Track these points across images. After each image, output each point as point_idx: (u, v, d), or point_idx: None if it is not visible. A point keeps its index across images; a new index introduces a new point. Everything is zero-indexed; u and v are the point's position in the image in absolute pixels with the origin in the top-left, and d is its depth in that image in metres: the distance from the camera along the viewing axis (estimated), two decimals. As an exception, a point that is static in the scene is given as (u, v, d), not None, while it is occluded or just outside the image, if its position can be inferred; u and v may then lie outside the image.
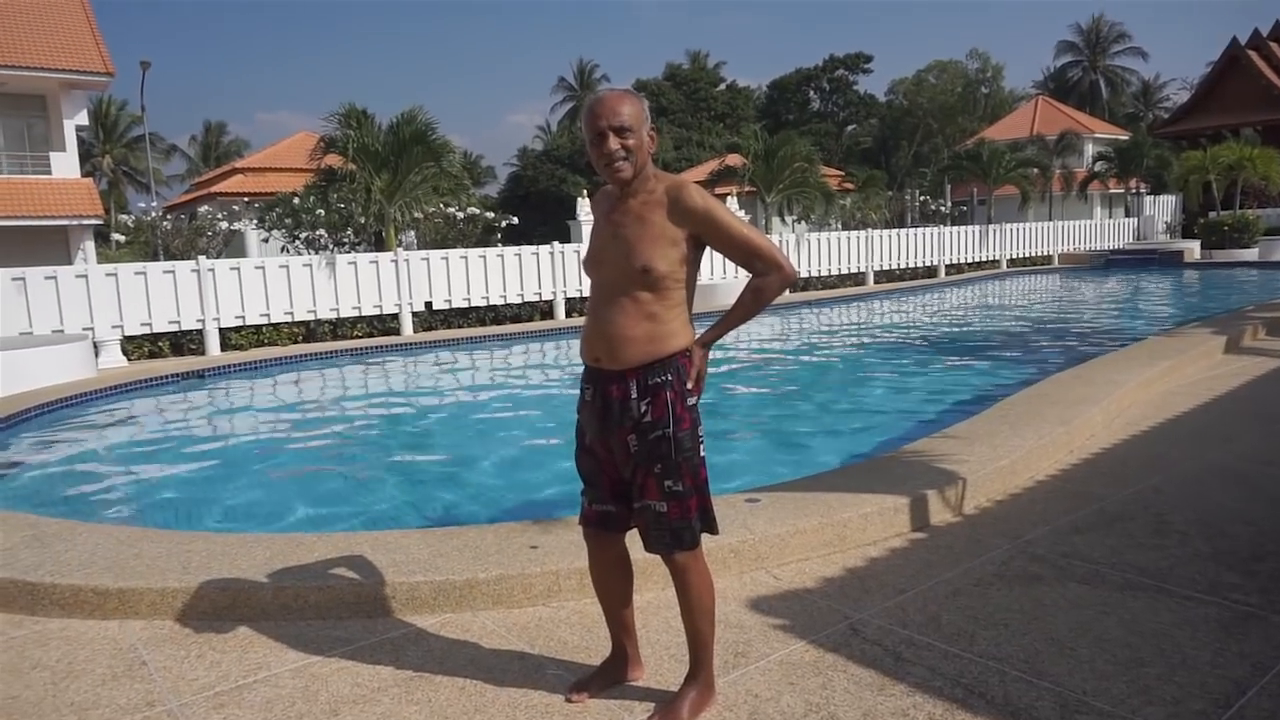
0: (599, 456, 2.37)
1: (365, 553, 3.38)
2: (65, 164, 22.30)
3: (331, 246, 16.18)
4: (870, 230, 20.71)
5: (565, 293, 14.67)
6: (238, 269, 12.03)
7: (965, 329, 12.75)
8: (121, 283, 11.15)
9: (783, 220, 22.20)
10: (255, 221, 18.84)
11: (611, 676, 2.57)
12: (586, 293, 14.33)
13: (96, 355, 10.18)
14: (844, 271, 19.15)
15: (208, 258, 12.46)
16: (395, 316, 13.06)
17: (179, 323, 11.54)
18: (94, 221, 21.74)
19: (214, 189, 31.90)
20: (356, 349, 11.60)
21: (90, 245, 21.90)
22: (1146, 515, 3.89)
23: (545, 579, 3.17)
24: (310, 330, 12.46)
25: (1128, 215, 31.09)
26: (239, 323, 11.93)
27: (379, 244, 15.54)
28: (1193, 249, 22.75)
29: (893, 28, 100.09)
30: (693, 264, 2.28)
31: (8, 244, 19.98)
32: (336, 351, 11.41)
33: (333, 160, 15.46)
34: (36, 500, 5.32)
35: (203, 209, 25.74)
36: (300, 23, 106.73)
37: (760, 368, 9.79)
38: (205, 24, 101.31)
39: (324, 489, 5.57)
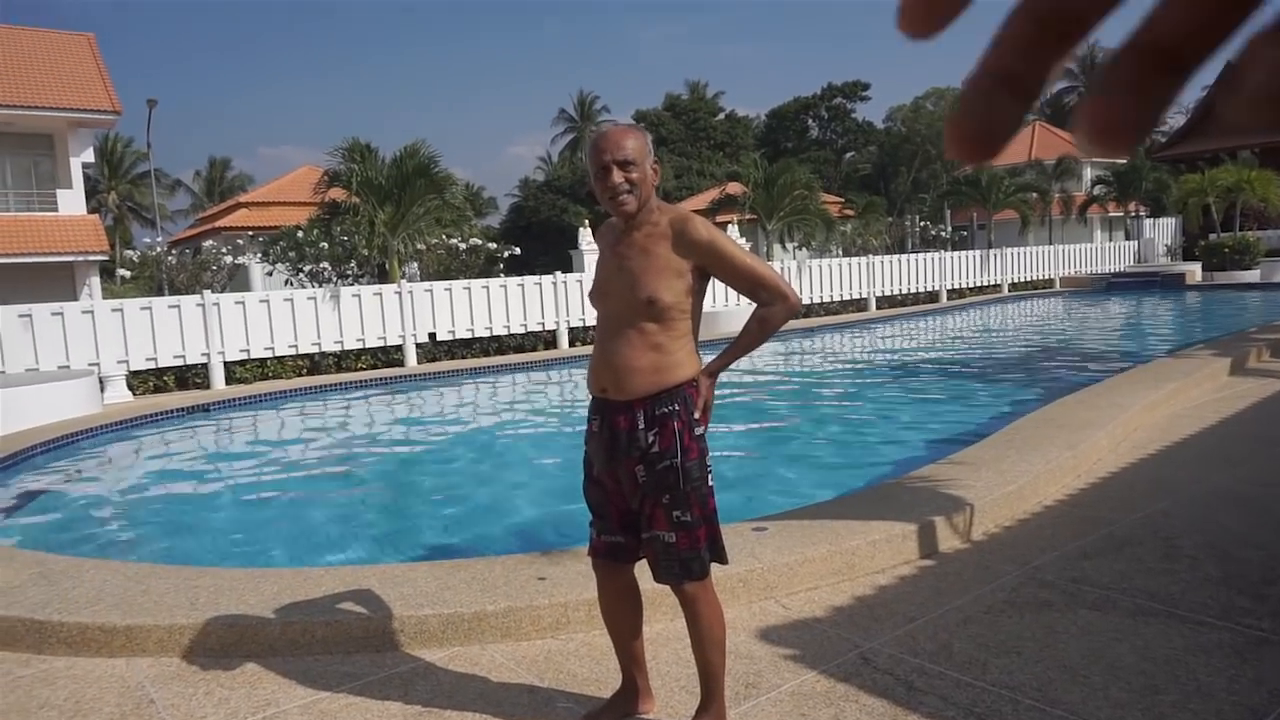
0: (607, 487, 2.38)
1: (373, 586, 3.37)
2: (72, 201, 22.51)
3: (335, 279, 16.28)
4: (871, 256, 20.80)
5: (568, 322, 14.71)
6: (242, 303, 12.09)
7: (969, 354, 12.76)
8: (127, 318, 11.21)
9: (783, 247, 22.29)
10: (259, 255, 18.98)
11: (622, 709, 2.55)
12: (590, 322, 14.42)
13: (102, 390, 10.21)
14: (846, 298, 19.21)
15: (212, 292, 12.53)
16: (399, 348, 13.10)
17: (184, 357, 11.58)
18: (99, 257, 21.90)
19: (218, 223, 32.13)
20: (361, 381, 11.62)
21: (96, 281, 22.04)
22: (1155, 540, 3.87)
23: (554, 611, 3.16)
24: (314, 363, 12.50)
25: (1128, 238, 31.20)
26: (243, 356, 11.97)
27: (382, 276, 15.63)
28: (1194, 271, 22.81)
29: (889, 56, 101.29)
30: (698, 294, 2.30)
31: (15, 281, 20.11)
32: (341, 384, 11.43)
33: (336, 194, 15.60)
34: (43, 537, 5.31)
35: (207, 243, 25.91)
36: (302, 59, 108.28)
37: (763, 395, 9.79)
38: (208, 61, 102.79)
39: (330, 522, 5.55)
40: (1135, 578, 3.45)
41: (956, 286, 21.60)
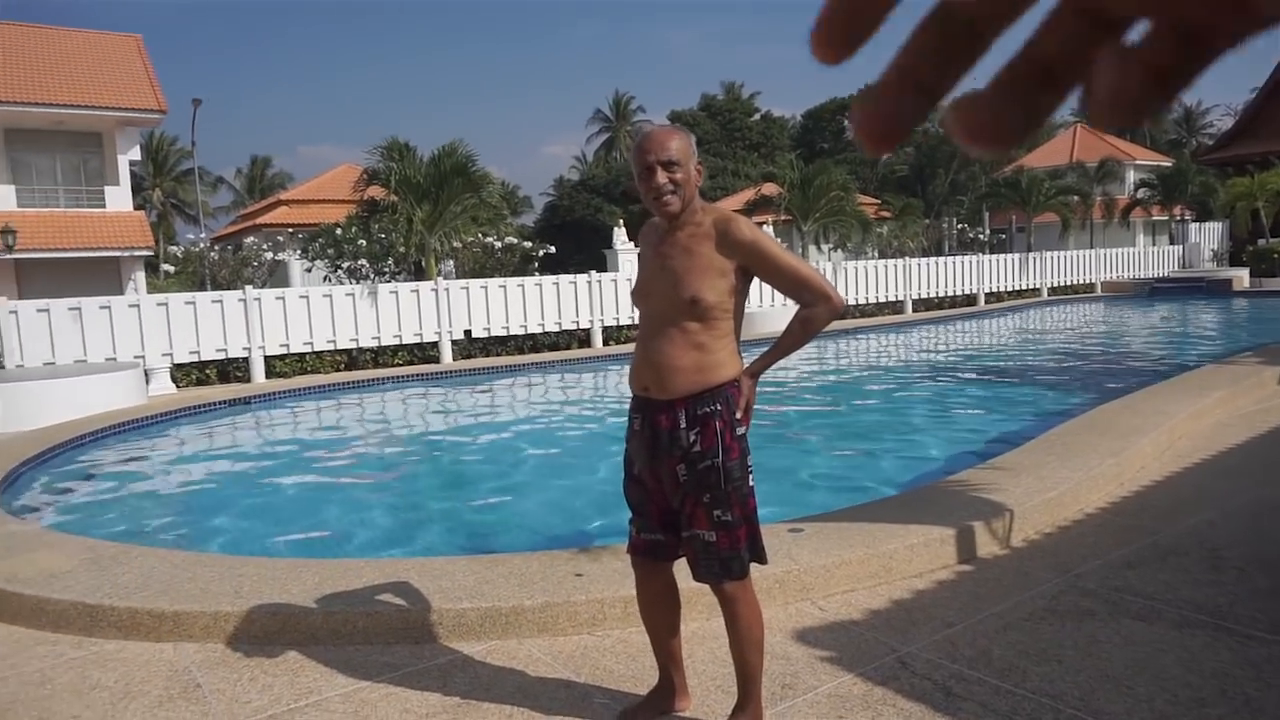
0: (647, 486, 2.39)
1: (412, 579, 3.42)
2: (119, 197, 23.05)
3: (373, 276, 16.48)
4: (908, 259, 20.60)
5: (602, 321, 14.75)
6: (282, 298, 12.30)
7: (1008, 358, 12.58)
8: (172, 312, 11.46)
9: (819, 249, 22.17)
10: (299, 252, 19.30)
11: (658, 707, 2.56)
12: (624, 321, 14.44)
13: (147, 383, 10.44)
14: (882, 300, 19.05)
15: (253, 287, 12.76)
16: (435, 345, 13.24)
17: (225, 350, 11.80)
18: (145, 253, 22.40)
19: (259, 220, 32.69)
20: (397, 377, 11.76)
21: (141, 276, 22.56)
22: (1201, 550, 3.79)
23: (590, 607, 3.18)
24: (352, 358, 12.67)
25: (1172, 243, 30.54)
26: (283, 351, 12.17)
27: (419, 273, 15.79)
28: (1241, 277, 22.27)
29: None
30: (740, 294, 2.31)
31: (64, 275, 20.66)
32: (378, 380, 11.58)
33: (375, 192, 15.80)
34: (92, 524, 5.45)
35: (248, 240, 26.39)
36: (341, 59, 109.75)
37: (800, 396, 9.75)
38: (251, 61, 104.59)
39: (369, 515, 5.64)
40: (1181, 588, 3.38)
41: (994, 290, 21.31)
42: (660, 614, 2.52)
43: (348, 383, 11.34)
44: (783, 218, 20.73)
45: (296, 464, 7.31)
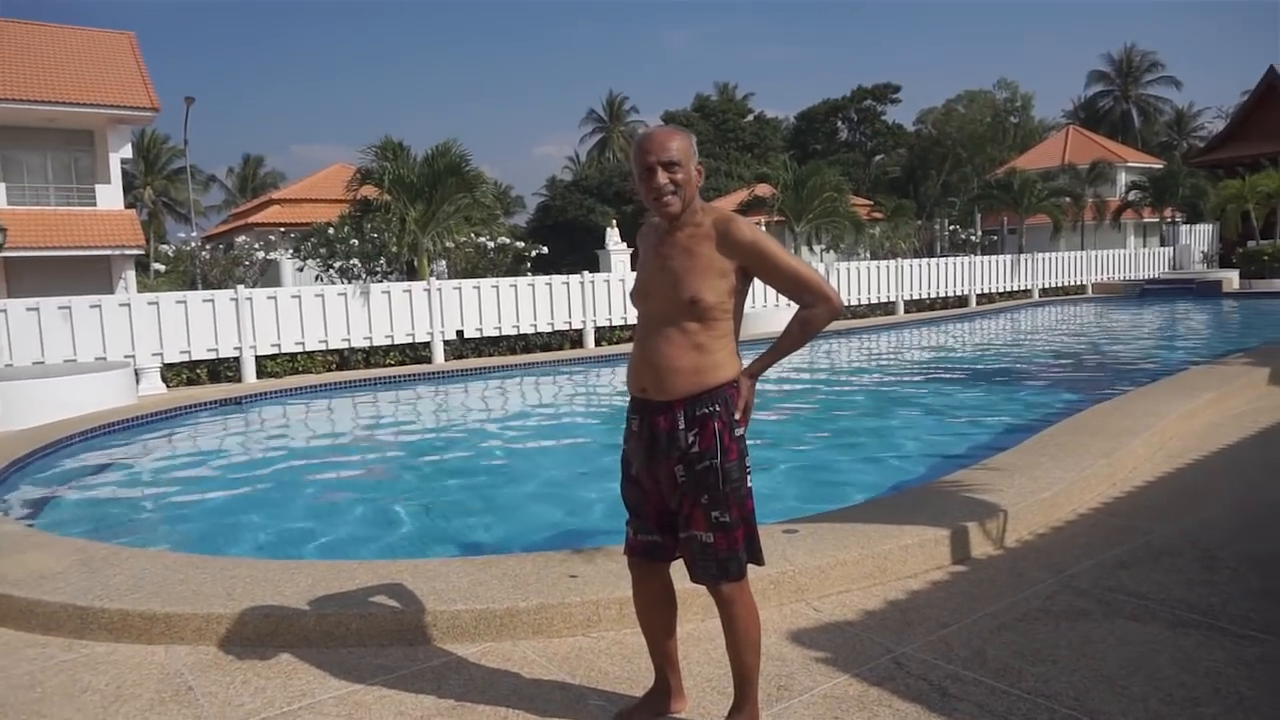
0: (645, 487, 2.38)
1: (406, 580, 3.40)
2: (110, 196, 22.94)
3: (365, 276, 16.44)
4: (900, 260, 20.65)
5: (595, 322, 14.74)
6: (274, 298, 12.25)
7: (1000, 359, 12.62)
8: (162, 311, 11.40)
9: (811, 249, 22.20)
10: (291, 251, 19.23)
11: (654, 709, 2.55)
12: (616, 322, 14.41)
13: (137, 382, 10.39)
14: (874, 301, 19.09)
15: (245, 287, 12.70)
16: (427, 345, 13.20)
17: (216, 350, 11.74)
18: (135, 251, 22.30)
19: (251, 219, 32.58)
20: (389, 377, 11.73)
21: (131, 275, 22.45)
22: (1194, 550, 3.81)
23: (585, 608, 3.17)
24: (344, 358, 12.63)
25: (1163, 244, 30.71)
26: (274, 350, 12.12)
27: (411, 273, 15.75)
28: (1231, 279, 22.39)
29: (921, 58, 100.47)
30: (740, 295, 2.30)
31: (54, 273, 20.54)
32: (369, 380, 11.54)
33: (368, 191, 15.75)
34: (83, 525, 5.42)
35: (240, 239, 26.29)
36: (334, 58, 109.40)
37: (793, 397, 9.76)
38: (245, 60, 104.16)
39: (362, 516, 5.61)
40: (1174, 588, 3.40)
41: (986, 291, 21.39)
42: (657, 615, 2.51)
43: (339, 383, 11.30)
44: (776, 218, 20.77)
45: (288, 464, 7.28)
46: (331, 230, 17.03)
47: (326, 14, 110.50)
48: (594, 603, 3.18)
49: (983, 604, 3.32)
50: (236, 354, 11.83)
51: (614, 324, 14.92)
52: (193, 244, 22.16)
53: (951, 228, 33.49)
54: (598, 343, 14.69)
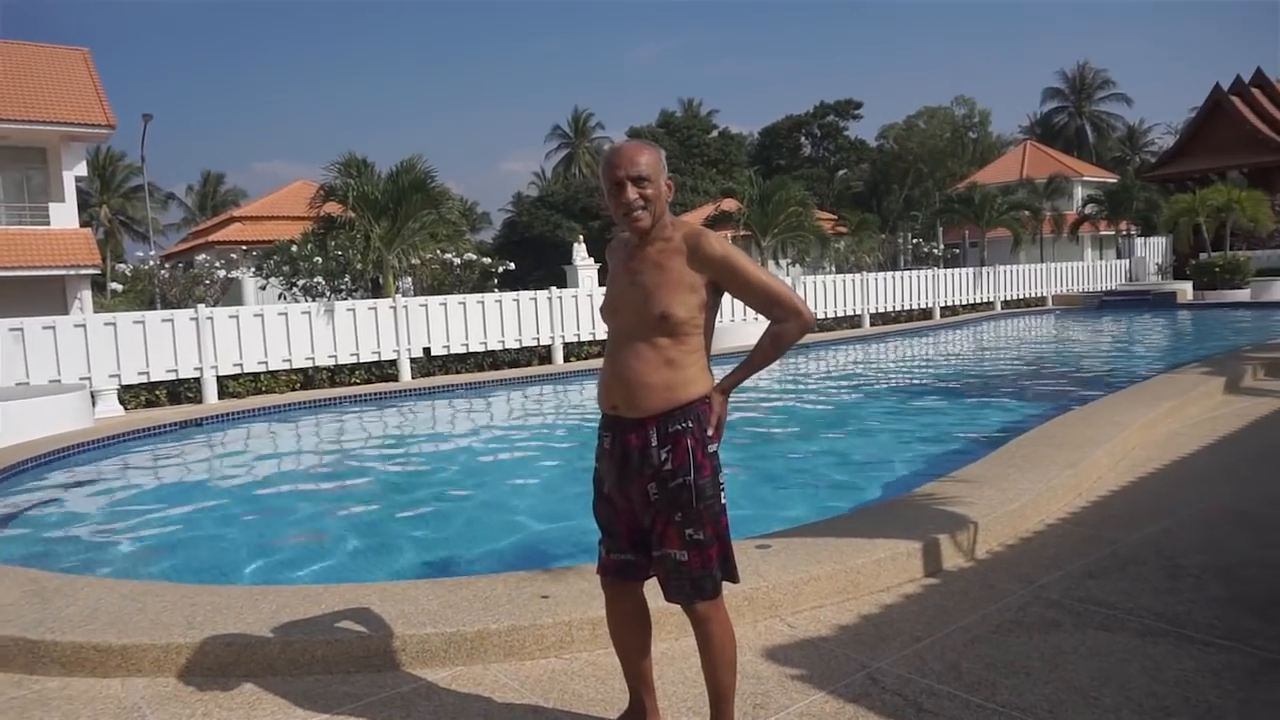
0: (617, 505, 2.35)
1: (373, 604, 3.32)
2: (64, 214, 22.44)
3: (329, 294, 16.24)
4: (865, 273, 20.88)
5: (563, 337, 14.69)
6: (236, 317, 12.04)
7: (965, 370, 12.78)
8: (120, 331, 11.14)
9: (777, 263, 22.36)
10: (253, 269, 18.94)
11: (629, 731, 2.51)
12: (585, 337, 14.34)
13: (93, 405, 10.12)
14: (840, 314, 19.27)
15: (205, 306, 12.47)
16: (393, 363, 13.05)
17: (176, 371, 11.50)
18: (91, 271, 21.81)
19: (212, 237, 32.08)
20: (354, 396, 11.56)
21: (87, 295, 21.95)
22: (1159, 559, 3.85)
23: (558, 630, 3.12)
24: (308, 377, 12.43)
25: (1119, 257, 31.44)
26: (237, 370, 11.90)
27: (376, 291, 15.59)
28: (1185, 290, 22.94)
29: (882, 75, 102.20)
30: (711, 310, 2.29)
31: (6, 294, 20.00)
32: (335, 399, 11.37)
33: (332, 208, 15.59)
34: (36, 554, 5.24)
35: (200, 257, 25.86)
36: (296, 74, 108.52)
37: (763, 412, 9.78)
38: (202, 75, 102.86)
39: (328, 539, 5.50)
40: (1141, 597, 3.43)
41: (950, 303, 21.69)
42: (630, 636, 2.47)
43: (304, 402, 11.12)
44: (742, 233, 20.90)
45: (251, 487, 7.13)
46: (295, 248, 16.81)
47: (287, 30, 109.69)
48: (567, 623, 3.13)
49: (956, 617, 3.32)
50: (197, 375, 11.60)
51: (583, 339, 14.88)
52: (151, 263, 21.75)
53: (914, 241, 33.99)
54: (567, 358, 14.63)
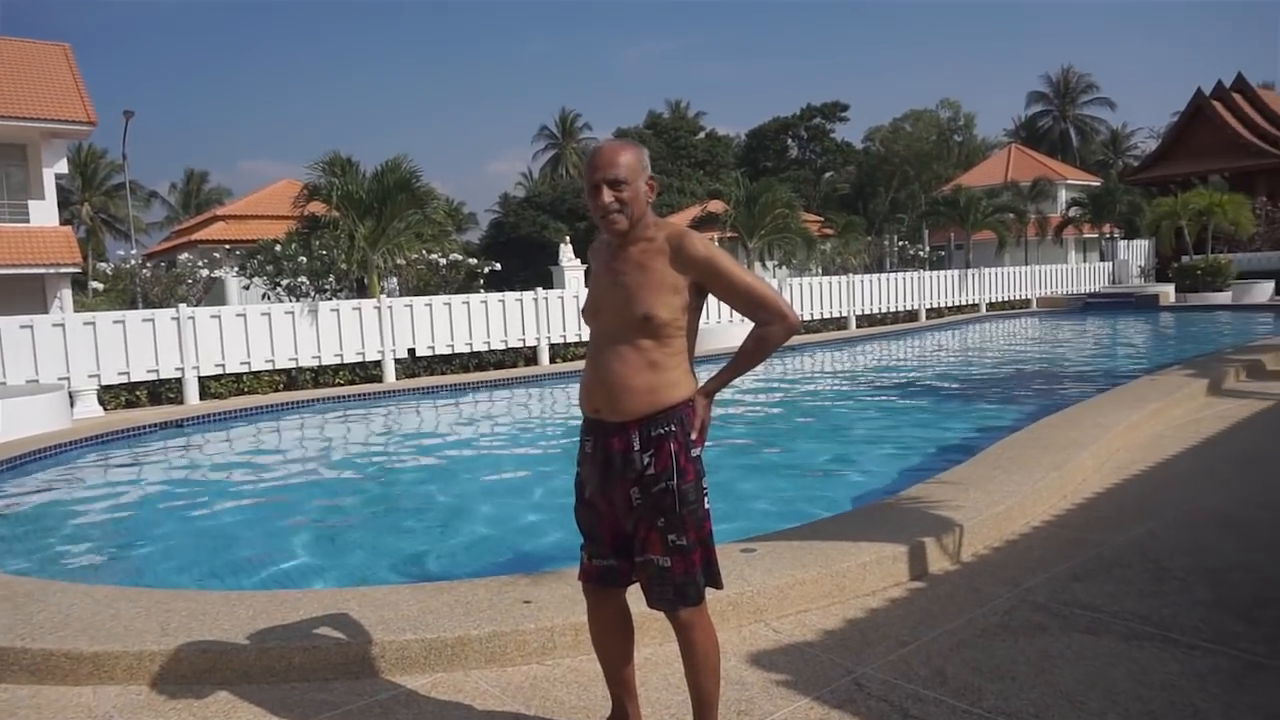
0: (599, 510, 2.31)
1: (352, 610, 3.27)
2: (44, 212, 22.17)
3: (313, 294, 16.11)
4: (851, 275, 20.93)
5: (549, 338, 14.63)
6: (218, 317, 11.91)
7: (951, 373, 12.81)
8: (99, 331, 11.00)
9: (764, 265, 22.39)
10: (236, 269, 18.77)
11: (612, 739, 2.47)
12: (570, 339, 14.29)
13: (72, 405, 9.99)
14: (826, 316, 19.30)
15: (188, 305, 12.34)
16: (378, 363, 12.95)
17: (157, 371, 11.36)
18: (71, 269, 21.57)
19: (195, 236, 31.81)
20: (338, 397, 11.46)
21: (67, 294, 21.70)
22: (1144, 562, 3.85)
23: (540, 635, 3.08)
24: (291, 378, 12.32)
25: (1102, 260, 31.65)
26: (219, 371, 11.77)
27: (361, 291, 15.48)
28: (1167, 293, 23.12)
29: (868, 78, 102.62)
30: (694, 312, 2.25)
31: (-17, 292, 19.74)
32: (318, 400, 11.27)
33: (316, 208, 15.46)
34: (8, 558, 5.15)
35: (183, 256, 25.63)
36: (282, 73, 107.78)
37: (748, 414, 9.76)
38: (187, 72, 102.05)
39: (308, 543, 5.43)
40: (1126, 600, 3.42)
41: (935, 305, 21.77)
42: (613, 642, 2.43)
43: (287, 403, 11.01)
44: (728, 235, 20.91)
45: (232, 490, 7.04)
46: (279, 247, 16.66)
47: (272, 28, 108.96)
48: (549, 629, 3.09)
49: (942, 621, 3.30)
50: (179, 375, 11.46)
51: (568, 340, 14.83)
52: (133, 262, 21.54)
53: (900, 243, 34.12)
54: (552, 359, 14.57)
